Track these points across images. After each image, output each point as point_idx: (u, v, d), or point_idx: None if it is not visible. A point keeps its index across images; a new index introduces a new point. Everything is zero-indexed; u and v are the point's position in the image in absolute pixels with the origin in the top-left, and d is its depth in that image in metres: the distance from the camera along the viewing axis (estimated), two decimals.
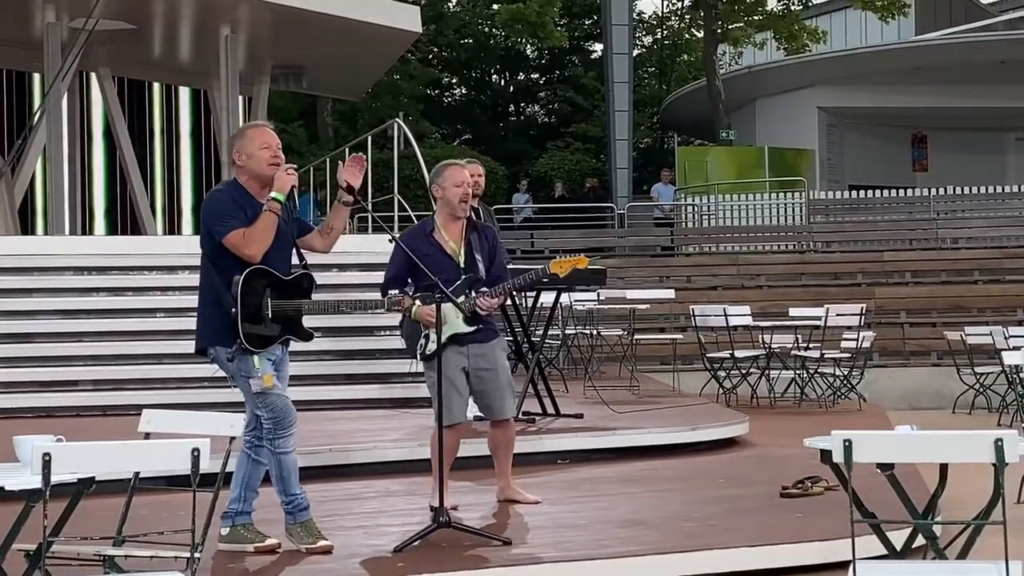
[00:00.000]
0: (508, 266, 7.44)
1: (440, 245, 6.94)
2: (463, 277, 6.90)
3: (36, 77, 20.17)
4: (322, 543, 6.16)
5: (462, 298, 6.80)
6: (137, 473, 5.11)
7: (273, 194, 6.02)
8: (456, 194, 6.96)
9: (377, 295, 6.86)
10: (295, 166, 6.26)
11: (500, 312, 10.61)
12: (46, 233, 18.40)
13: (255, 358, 6.02)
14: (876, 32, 34.56)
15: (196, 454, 4.28)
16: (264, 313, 6.03)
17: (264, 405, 6.08)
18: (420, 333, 6.79)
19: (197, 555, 4.52)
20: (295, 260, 6.29)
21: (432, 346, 6.67)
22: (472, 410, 7.68)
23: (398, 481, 8.22)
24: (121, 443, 4.43)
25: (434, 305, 6.38)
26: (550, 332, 12.23)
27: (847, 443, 4.17)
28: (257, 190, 6.13)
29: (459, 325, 6.84)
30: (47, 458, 4.12)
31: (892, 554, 4.97)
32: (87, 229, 20.72)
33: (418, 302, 6.58)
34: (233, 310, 5.96)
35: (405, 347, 7.00)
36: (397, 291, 6.70)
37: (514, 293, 10.63)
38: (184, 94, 22.36)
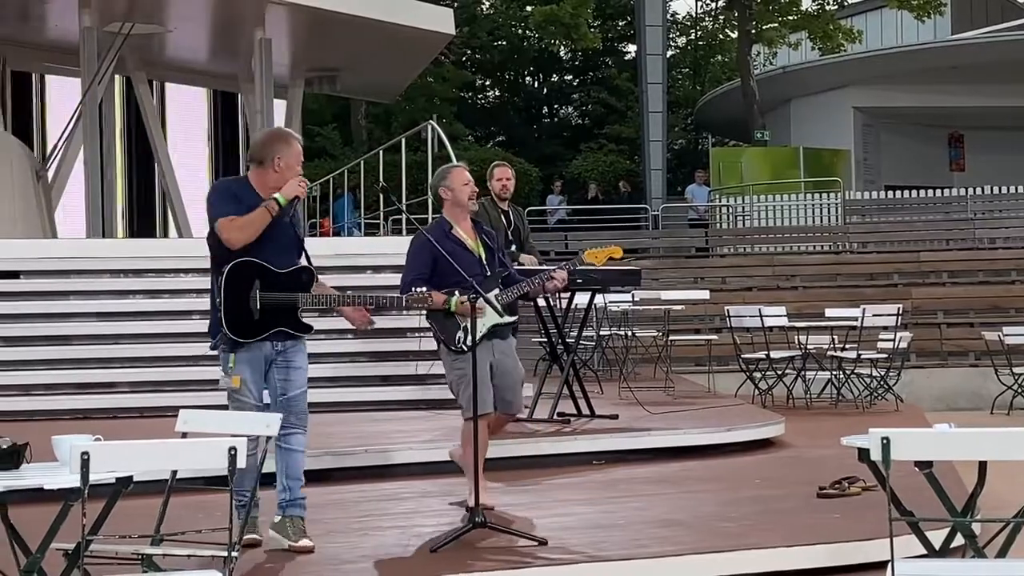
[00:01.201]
0: (537, 267, 7.51)
1: (462, 242, 7.04)
2: (492, 272, 7.01)
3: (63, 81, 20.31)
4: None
5: (496, 291, 6.96)
6: (174, 472, 5.13)
7: (277, 195, 6.10)
8: (466, 192, 7.10)
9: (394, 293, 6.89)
10: (307, 181, 6.30)
11: (535, 313, 10.65)
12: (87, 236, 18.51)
13: (231, 356, 6.13)
14: (912, 31, 34.42)
15: (233, 452, 4.30)
16: (252, 305, 6.09)
17: (231, 405, 6.20)
18: (455, 326, 6.84)
19: (235, 554, 4.54)
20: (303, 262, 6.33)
21: (471, 339, 6.75)
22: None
23: (433, 482, 8.21)
24: (158, 442, 4.45)
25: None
26: (585, 333, 12.21)
27: (885, 441, 4.15)
28: (265, 191, 6.20)
29: (497, 317, 6.89)
30: (85, 457, 4.15)
31: (931, 553, 4.93)
32: (126, 231, 20.85)
33: (456, 295, 6.66)
34: (218, 299, 6.07)
35: (441, 340, 6.97)
36: (424, 288, 6.68)
37: (548, 295, 10.67)
38: (217, 97, 22.46)
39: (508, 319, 6.97)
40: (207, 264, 13.44)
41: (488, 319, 6.83)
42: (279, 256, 6.17)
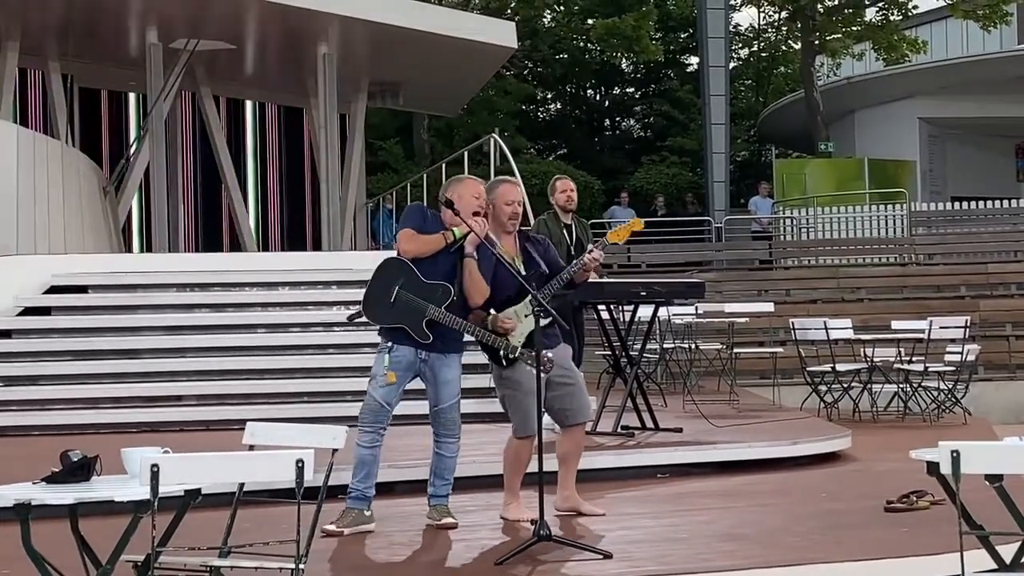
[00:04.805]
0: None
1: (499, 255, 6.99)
2: (527, 273, 6.95)
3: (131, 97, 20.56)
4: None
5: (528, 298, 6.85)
6: (242, 485, 5.17)
7: (454, 228, 6.87)
8: (506, 212, 7.08)
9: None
10: (485, 224, 6.87)
11: (599, 326, 10.62)
12: (149, 250, 18.72)
13: (387, 356, 6.86)
14: (977, 41, 34.07)
15: (300, 465, 4.32)
16: (388, 296, 6.82)
17: (370, 391, 6.96)
18: (495, 343, 6.94)
19: (302, 566, 4.56)
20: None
21: (512, 351, 6.91)
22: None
23: (498, 495, 8.18)
24: (227, 454, 4.49)
25: (507, 312, 6.86)
26: (648, 346, 12.17)
27: (955, 454, 4.11)
28: (448, 222, 6.94)
29: (532, 324, 6.85)
30: (155, 469, 4.19)
31: (1001, 568, 4.87)
32: (194, 246, 21.06)
33: (492, 312, 6.91)
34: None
35: (489, 357, 7.10)
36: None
37: (611, 307, 10.63)
38: (279, 112, 22.65)
39: (544, 321, 6.75)
40: (271, 278, 13.61)
41: (525, 327, 6.89)
42: (431, 272, 6.84)
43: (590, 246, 7.37)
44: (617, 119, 42.15)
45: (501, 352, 6.85)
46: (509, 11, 34.00)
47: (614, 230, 7.29)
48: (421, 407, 11.36)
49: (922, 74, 29.72)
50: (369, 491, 6.99)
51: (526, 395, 6.87)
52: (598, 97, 41.97)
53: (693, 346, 14.97)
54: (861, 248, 24.40)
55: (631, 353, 10.64)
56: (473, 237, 6.81)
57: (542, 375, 6.53)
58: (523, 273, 6.95)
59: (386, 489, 8.02)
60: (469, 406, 11.50)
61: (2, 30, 16.93)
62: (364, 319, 7.09)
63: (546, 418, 7.14)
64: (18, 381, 12.06)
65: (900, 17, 32.14)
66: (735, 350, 14.96)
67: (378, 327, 7.00)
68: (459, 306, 6.87)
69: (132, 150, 18.79)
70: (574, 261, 7.25)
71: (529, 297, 6.75)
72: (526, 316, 6.85)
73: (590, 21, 36.59)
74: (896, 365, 13.66)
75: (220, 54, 18.51)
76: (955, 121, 29.48)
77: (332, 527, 6.84)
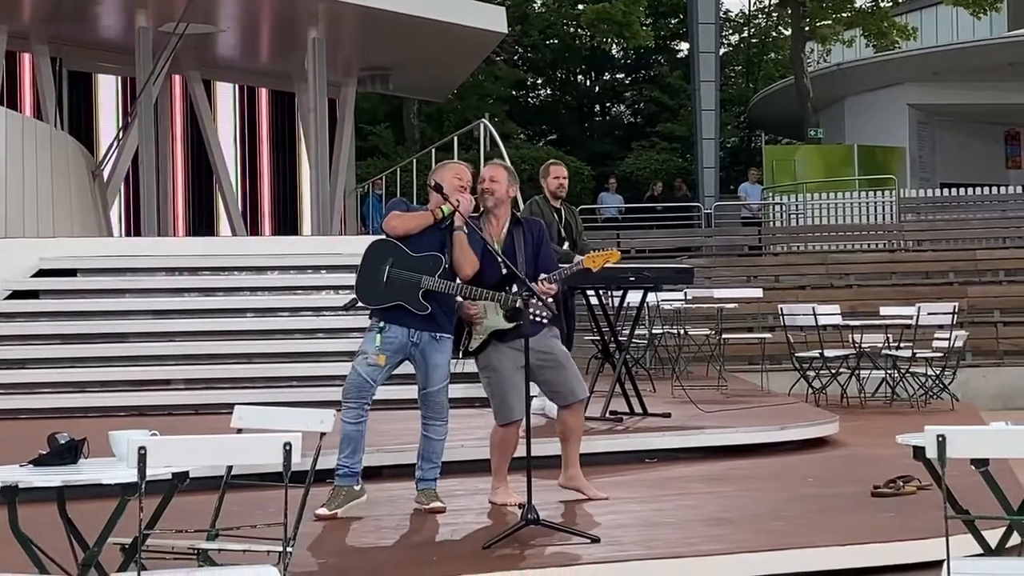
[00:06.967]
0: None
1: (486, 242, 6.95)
2: (506, 274, 6.85)
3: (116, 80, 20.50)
4: (336, 511, 6.89)
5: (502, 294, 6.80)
6: (230, 468, 5.17)
7: (443, 206, 6.86)
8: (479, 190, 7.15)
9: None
10: (471, 200, 6.93)
11: (587, 311, 10.64)
12: (138, 234, 18.68)
13: (378, 336, 6.83)
14: (967, 28, 34.06)
15: (288, 448, 4.32)
16: (379, 276, 6.82)
17: (357, 368, 6.92)
18: (462, 330, 6.96)
19: (289, 549, 4.56)
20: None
21: (474, 343, 6.97)
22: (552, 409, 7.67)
23: (485, 479, 8.20)
24: (214, 437, 4.48)
25: (474, 303, 6.84)
26: (637, 332, 12.18)
27: (941, 438, 4.12)
28: (435, 204, 6.97)
29: (500, 321, 6.88)
30: (143, 452, 4.18)
31: (987, 552, 4.89)
32: (183, 230, 21.02)
33: (459, 299, 6.90)
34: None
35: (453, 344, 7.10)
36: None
37: (600, 292, 10.65)
38: (269, 96, 22.59)
39: (509, 325, 6.80)
40: (260, 263, 13.56)
41: (490, 323, 6.88)
42: (419, 248, 6.86)
43: (543, 277, 6.88)
44: (607, 105, 42.15)
45: (501, 302, 6.75)
46: None
47: (590, 255, 7.20)
48: (408, 391, 11.36)
49: (912, 61, 29.73)
50: (356, 466, 6.97)
51: (503, 381, 6.95)
52: (588, 83, 41.95)
53: (682, 331, 14.98)
54: (850, 234, 24.42)
55: (620, 338, 10.65)
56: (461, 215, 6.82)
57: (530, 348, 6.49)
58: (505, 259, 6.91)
59: (374, 473, 8.04)
60: (458, 390, 11.52)
61: None
62: (361, 305, 7.06)
63: (534, 402, 7.15)
64: (6, 364, 12.04)
65: (890, 3, 32.15)
66: (724, 336, 14.98)
67: (370, 310, 6.99)
68: (449, 278, 6.86)
69: (121, 134, 18.74)
70: (556, 272, 7.00)
71: (502, 293, 6.74)
72: (497, 313, 6.83)
73: (580, 7, 36.55)
74: (884, 351, 13.69)
75: (210, 38, 18.47)
76: (945, 108, 29.50)
77: (324, 511, 6.84)
